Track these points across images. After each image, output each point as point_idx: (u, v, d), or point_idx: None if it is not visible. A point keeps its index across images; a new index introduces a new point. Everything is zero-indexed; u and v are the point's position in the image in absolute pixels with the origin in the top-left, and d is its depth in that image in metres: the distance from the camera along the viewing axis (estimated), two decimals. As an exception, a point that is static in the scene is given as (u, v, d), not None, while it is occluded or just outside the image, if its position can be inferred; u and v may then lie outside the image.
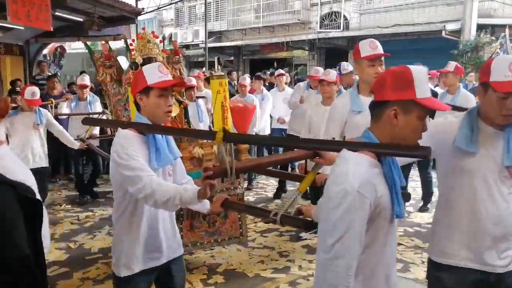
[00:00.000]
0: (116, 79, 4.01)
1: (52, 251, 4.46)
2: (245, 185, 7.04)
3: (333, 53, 17.21)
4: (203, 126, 5.65)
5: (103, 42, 4.40)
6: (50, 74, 9.83)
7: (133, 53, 3.87)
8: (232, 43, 19.62)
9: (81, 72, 9.73)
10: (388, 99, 1.51)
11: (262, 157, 3.80)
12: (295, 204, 1.90)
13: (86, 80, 6.60)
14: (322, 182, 2.34)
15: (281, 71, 8.01)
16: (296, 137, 5.46)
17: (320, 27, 16.76)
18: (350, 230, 1.42)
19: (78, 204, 6.25)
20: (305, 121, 4.85)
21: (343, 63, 5.79)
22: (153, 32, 4.00)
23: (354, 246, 1.44)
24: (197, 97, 6.10)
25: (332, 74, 4.55)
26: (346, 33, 15.82)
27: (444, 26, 12.86)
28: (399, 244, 4.55)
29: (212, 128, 4.23)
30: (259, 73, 8.07)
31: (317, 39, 16.61)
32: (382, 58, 2.97)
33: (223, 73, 4.15)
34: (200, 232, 3.85)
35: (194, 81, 6.22)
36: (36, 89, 5.14)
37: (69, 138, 5.40)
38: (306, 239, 4.76)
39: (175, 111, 4.02)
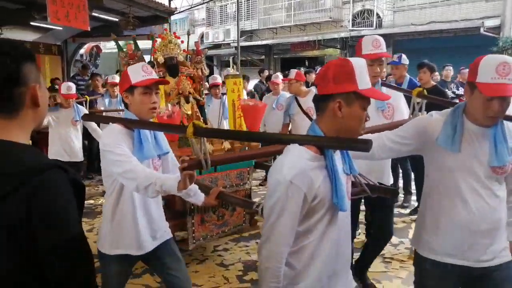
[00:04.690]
0: None
1: (91, 245, 4.53)
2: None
3: (366, 51, 16.97)
4: (227, 122, 5.58)
5: (129, 41, 4.41)
6: (88, 75, 10.11)
7: (155, 52, 3.99)
8: (263, 42, 19.64)
9: (117, 71, 9.93)
10: (331, 92, 1.54)
11: (237, 152, 3.96)
12: None
13: (117, 78, 6.82)
14: None
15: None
16: None
17: (352, 25, 16.58)
18: (281, 217, 1.50)
19: None
20: None
21: (404, 55, 5.65)
22: (174, 33, 4.16)
23: (285, 232, 1.52)
24: (223, 94, 6.14)
25: None
26: (379, 31, 15.56)
27: (483, 22, 12.52)
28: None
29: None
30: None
31: (349, 37, 16.46)
32: (384, 58, 2.87)
33: (238, 73, 4.49)
34: (210, 225, 3.92)
35: (219, 79, 6.54)
36: (71, 84, 5.42)
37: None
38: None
39: (188, 109, 4.11)
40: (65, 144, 5.36)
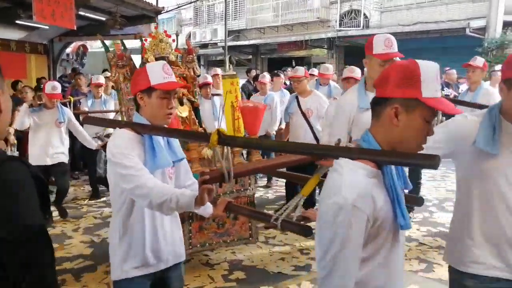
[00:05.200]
0: (129, 79, 3.85)
1: (76, 245, 4.56)
2: (265, 182, 7.07)
3: (353, 51, 17.09)
4: (218, 124, 5.64)
5: (117, 41, 4.23)
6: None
7: (146, 52, 3.83)
8: (251, 42, 19.66)
9: (103, 71, 9.87)
10: (389, 96, 1.34)
11: (260, 160, 3.57)
12: (298, 208, 1.76)
13: (101, 78, 6.68)
14: None
15: (314, 70, 7.99)
16: None
17: (340, 25, 16.68)
18: (345, 247, 1.29)
19: (91, 198, 6.42)
20: (326, 119, 4.81)
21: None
22: (165, 31, 3.97)
23: (350, 264, 1.31)
24: (213, 95, 6.12)
25: (358, 71, 4.56)
26: (366, 31, 15.68)
27: (469, 23, 12.67)
28: (422, 244, 4.50)
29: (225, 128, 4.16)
30: (277, 71, 8.05)
31: (336, 37, 16.55)
32: (396, 58, 2.73)
33: (234, 73, 4.18)
34: (209, 233, 3.75)
35: (209, 78, 6.31)
36: (56, 84, 5.17)
37: (87, 138, 5.39)
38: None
39: (185, 111, 3.97)
40: (47, 146, 5.06)
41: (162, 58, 3.73)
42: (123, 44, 4.04)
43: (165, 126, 2.14)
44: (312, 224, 1.80)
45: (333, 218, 1.29)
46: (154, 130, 2.04)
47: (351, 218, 1.26)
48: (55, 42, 11.47)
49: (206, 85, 6.21)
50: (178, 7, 15.71)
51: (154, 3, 10.49)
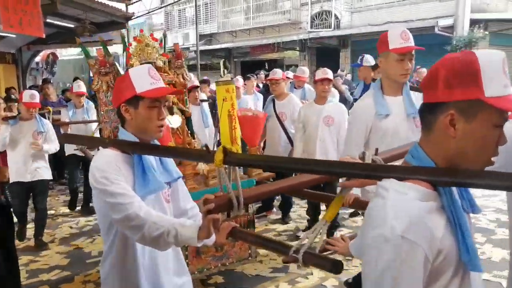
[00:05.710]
0: (114, 87, 3.45)
1: (53, 256, 4.49)
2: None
3: (325, 52, 17.29)
4: (208, 131, 5.53)
5: (96, 48, 3.85)
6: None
7: (130, 58, 3.52)
8: (223, 46, 19.65)
9: (75, 79, 9.71)
10: (441, 100, 1.05)
11: (273, 182, 2.72)
12: (322, 236, 1.53)
13: (83, 87, 6.36)
14: (350, 202, 2.02)
15: (289, 72, 8.00)
16: None
17: (311, 27, 16.83)
18: None
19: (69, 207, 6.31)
20: (298, 122, 4.80)
21: (367, 56, 5.64)
22: (152, 35, 3.65)
23: None
24: (201, 101, 5.92)
25: (331, 73, 4.59)
26: (337, 32, 15.90)
27: (437, 22, 12.93)
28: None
29: (218, 139, 3.98)
30: (249, 75, 8.10)
31: (308, 39, 16.69)
32: (414, 52, 2.54)
33: (230, 79, 3.79)
34: (207, 257, 3.48)
35: (196, 82, 6.02)
36: (34, 92, 4.85)
37: (56, 146, 4.96)
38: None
39: (177, 122, 3.64)
40: (27, 161, 4.68)
41: (149, 63, 3.38)
42: (105, 48, 3.70)
43: (157, 141, 1.87)
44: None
45: (378, 255, 1.02)
46: (146, 150, 1.74)
47: (401, 252, 0.98)
48: (23, 51, 11.25)
49: (194, 88, 5.64)
50: (149, 12, 15.60)
51: (124, 9, 10.38)
